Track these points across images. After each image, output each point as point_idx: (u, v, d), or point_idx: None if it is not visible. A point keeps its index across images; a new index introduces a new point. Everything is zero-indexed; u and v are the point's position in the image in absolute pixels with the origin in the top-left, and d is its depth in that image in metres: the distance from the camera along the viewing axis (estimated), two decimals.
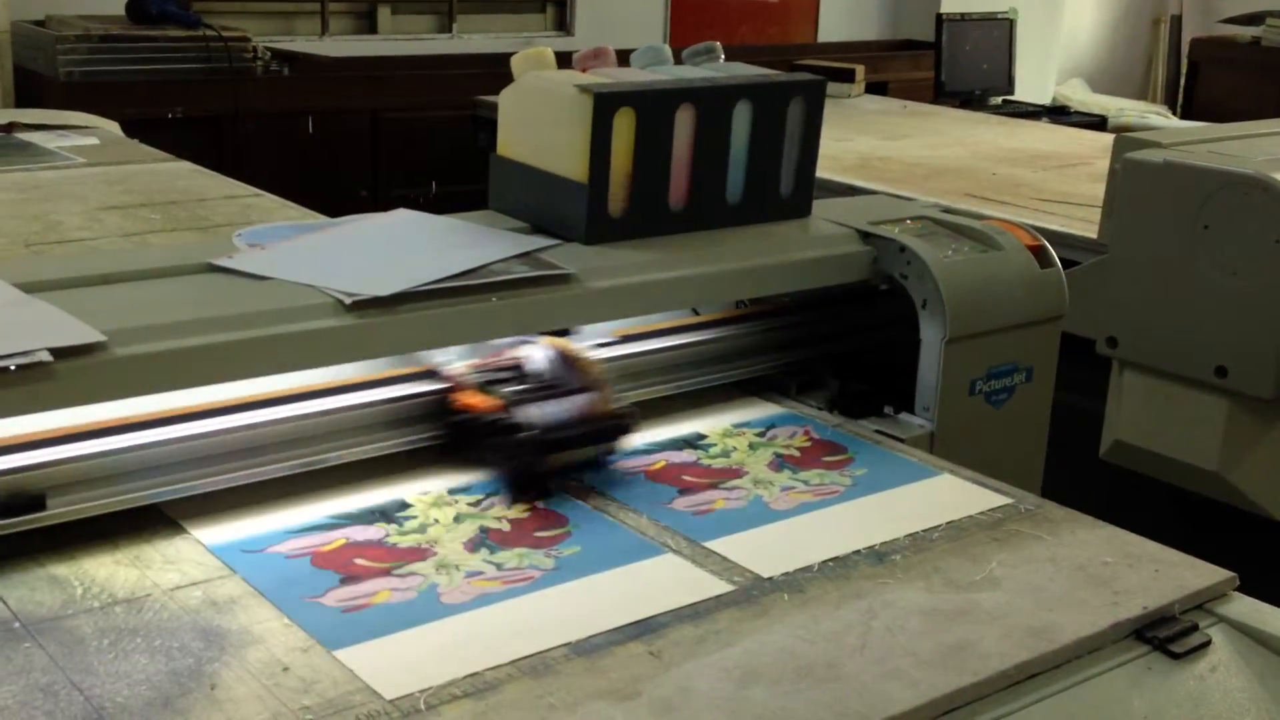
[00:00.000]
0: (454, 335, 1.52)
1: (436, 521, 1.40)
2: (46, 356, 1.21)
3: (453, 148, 4.61)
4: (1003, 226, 1.92)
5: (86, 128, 3.26)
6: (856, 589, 1.28)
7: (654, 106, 1.69)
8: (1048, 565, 1.34)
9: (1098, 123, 5.67)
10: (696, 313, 1.86)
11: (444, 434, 1.53)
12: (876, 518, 1.46)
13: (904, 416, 1.78)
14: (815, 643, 1.18)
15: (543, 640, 1.17)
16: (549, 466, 1.49)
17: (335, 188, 4.42)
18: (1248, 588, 1.33)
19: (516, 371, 1.58)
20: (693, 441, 1.65)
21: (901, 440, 1.71)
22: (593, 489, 1.50)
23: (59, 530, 1.31)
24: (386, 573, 1.29)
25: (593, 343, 1.68)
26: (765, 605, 1.25)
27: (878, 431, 1.72)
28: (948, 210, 1.99)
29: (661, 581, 1.30)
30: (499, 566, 1.31)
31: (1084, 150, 4.10)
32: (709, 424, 1.71)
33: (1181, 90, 7.45)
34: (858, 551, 1.36)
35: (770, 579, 1.30)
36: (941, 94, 5.56)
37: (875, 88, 5.55)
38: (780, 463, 1.60)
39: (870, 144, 4.11)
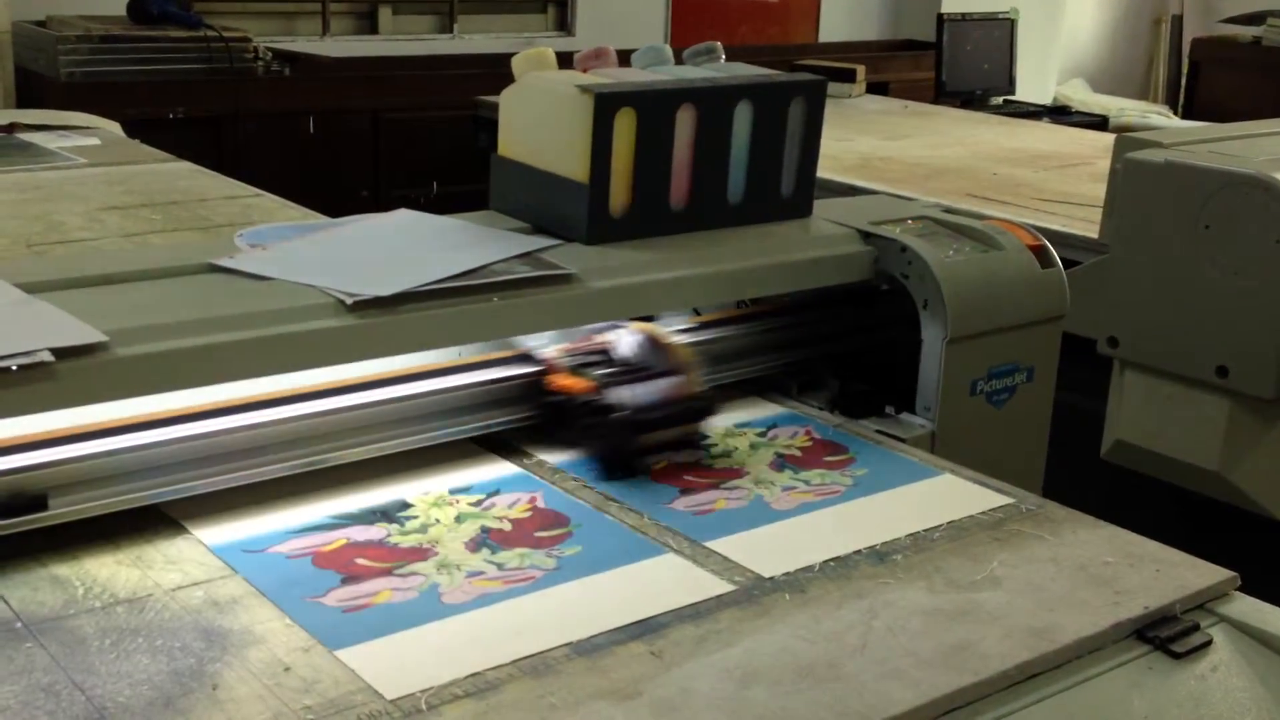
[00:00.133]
0: (455, 335, 1.52)
1: (438, 521, 1.41)
2: (48, 357, 1.21)
3: (454, 148, 4.61)
4: (1004, 226, 1.92)
5: (87, 128, 3.26)
6: (857, 589, 1.28)
7: (655, 107, 1.69)
8: (1049, 565, 1.34)
9: (1099, 123, 5.67)
10: (697, 313, 1.86)
11: (537, 415, 1.60)
12: (877, 518, 1.46)
13: (905, 416, 1.78)
14: (816, 643, 1.18)
15: (544, 640, 1.17)
16: (640, 446, 1.55)
17: (336, 188, 4.42)
18: (1249, 587, 1.33)
19: (606, 355, 1.64)
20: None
21: (903, 440, 1.71)
22: (593, 489, 1.50)
23: (61, 530, 1.31)
24: (388, 573, 1.29)
25: (677, 328, 1.74)
26: (766, 605, 1.25)
27: (879, 431, 1.72)
28: (949, 210, 1.99)
29: (662, 581, 1.30)
30: (500, 566, 1.31)
31: (1085, 150, 4.10)
32: (710, 424, 1.70)
33: (1182, 90, 7.45)
34: (859, 551, 1.36)
35: (771, 579, 1.30)
36: (942, 94, 5.56)
37: (876, 88, 5.55)
38: (781, 463, 1.60)
39: (871, 144, 4.11)
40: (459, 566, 1.31)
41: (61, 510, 1.30)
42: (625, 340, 1.65)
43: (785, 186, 1.85)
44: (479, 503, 1.45)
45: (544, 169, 1.72)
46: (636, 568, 1.33)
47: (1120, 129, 4.69)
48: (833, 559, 1.34)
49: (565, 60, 1.83)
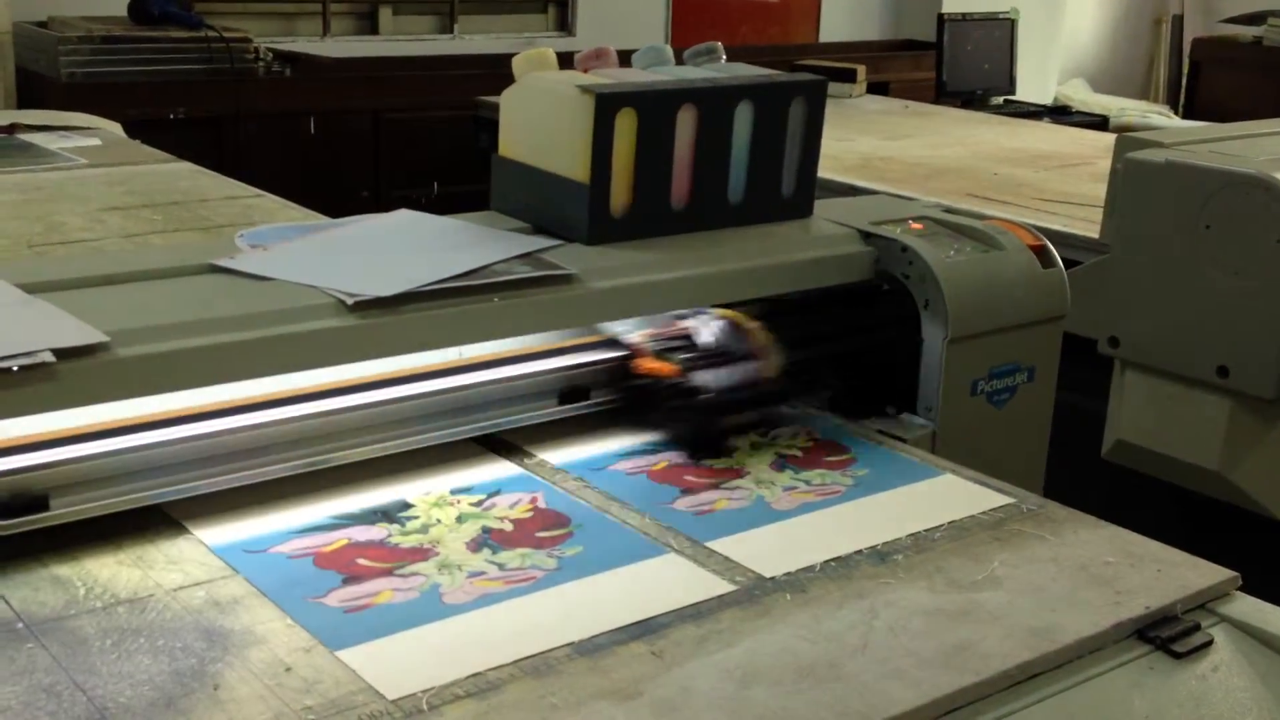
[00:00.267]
0: (456, 336, 1.52)
1: (439, 521, 1.41)
2: (49, 357, 1.21)
3: (454, 148, 4.61)
4: (1004, 226, 1.92)
5: (88, 129, 3.26)
6: (858, 589, 1.28)
7: (655, 107, 1.69)
8: (1050, 565, 1.34)
9: (1099, 123, 5.67)
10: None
11: (623, 398, 1.66)
12: (878, 517, 1.46)
13: (906, 416, 1.78)
14: (817, 643, 1.18)
15: (545, 640, 1.17)
16: (724, 427, 1.61)
17: (337, 188, 4.42)
18: (1250, 587, 1.33)
19: (689, 340, 1.68)
20: None
21: (903, 440, 1.71)
22: (594, 489, 1.50)
23: (62, 531, 1.31)
24: (389, 573, 1.29)
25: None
26: (767, 605, 1.25)
27: (880, 431, 1.72)
28: (949, 210, 1.99)
29: (663, 581, 1.30)
30: (501, 566, 1.31)
31: (1085, 150, 4.10)
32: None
33: (1183, 90, 7.45)
34: (859, 551, 1.36)
35: (772, 579, 1.30)
36: (943, 94, 5.56)
37: (876, 88, 5.55)
38: (782, 463, 1.60)
39: (872, 144, 4.11)
40: (460, 567, 1.31)
41: (63, 511, 1.30)
42: (707, 325, 1.69)
43: (786, 186, 1.85)
44: (480, 503, 1.45)
45: (545, 169, 1.72)
46: (637, 568, 1.33)
47: (1121, 129, 4.69)
48: (834, 559, 1.34)
49: (566, 60, 1.83)
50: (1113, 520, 1.45)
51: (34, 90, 4.18)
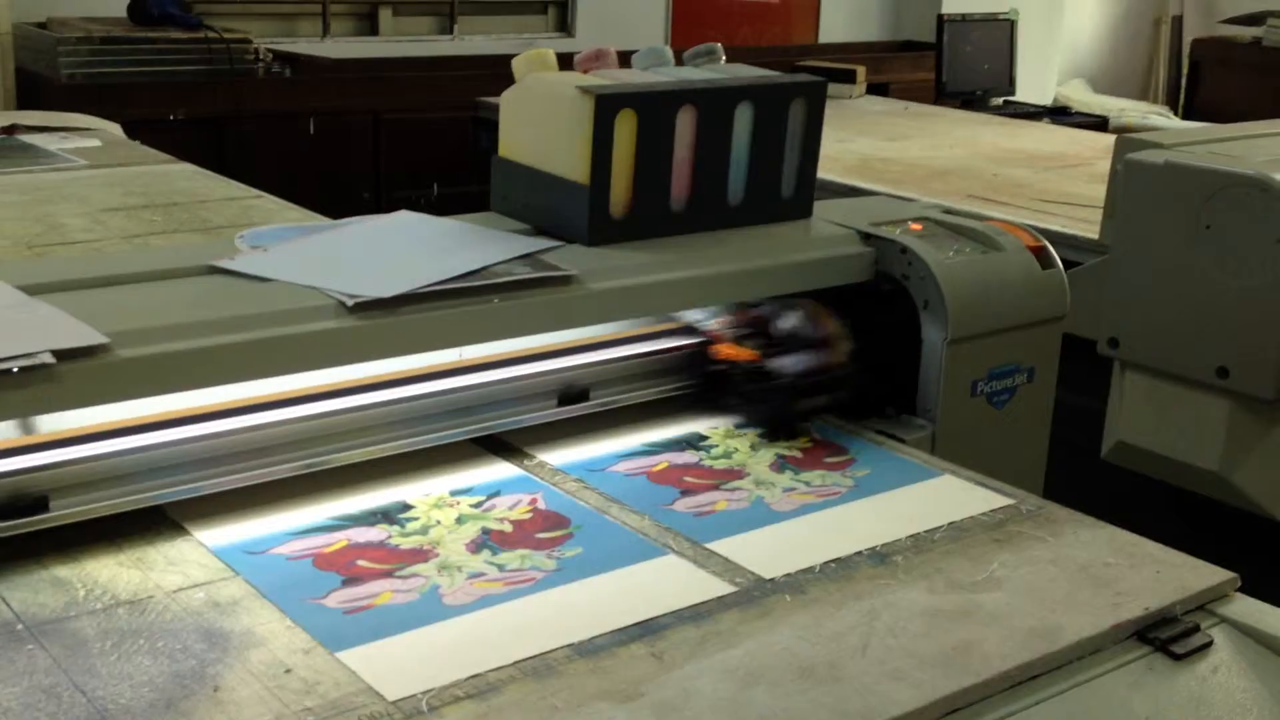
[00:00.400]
0: (456, 337, 1.52)
1: (438, 523, 1.41)
2: (49, 358, 1.21)
3: (454, 149, 4.61)
4: (1004, 227, 1.92)
5: (88, 130, 3.26)
6: (858, 590, 1.28)
7: (655, 108, 1.69)
8: (1049, 566, 1.34)
9: (1099, 123, 5.66)
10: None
11: (701, 382, 1.73)
12: (878, 519, 1.46)
13: (905, 417, 1.78)
14: (817, 644, 1.18)
15: (545, 641, 1.17)
16: (799, 410, 1.67)
17: (337, 189, 4.42)
18: (1249, 588, 1.33)
19: (765, 326, 1.73)
20: (694, 442, 1.65)
21: (903, 441, 1.71)
22: (594, 490, 1.50)
23: (62, 532, 1.31)
24: (389, 574, 1.29)
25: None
26: (767, 606, 1.25)
27: (879, 432, 1.72)
28: (949, 211, 1.99)
29: (663, 583, 1.30)
30: (501, 568, 1.32)
31: (1085, 151, 4.10)
32: (711, 425, 1.71)
33: (1182, 91, 7.45)
34: (859, 552, 1.36)
35: (772, 580, 1.30)
36: (943, 95, 5.56)
37: (876, 89, 5.55)
38: (782, 464, 1.60)
39: (871, 145, 4.11)
40: (460, 568, 1.31)
41: (62, 512, 1.30)
42: (783, 312, 1.74)
43: (785, 187, 1.86)
44: (480, 504, 1.45)
45: (544, 170, 1.72)
46: (637, 569, 1.33)
47: (1120, 130, 4.69)
48: (833, 560, 1.34)
49: (566, 61, 1.83)
50: (1112, 521, 1.45)
51: (34, 91, 4.18)
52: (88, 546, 1.31)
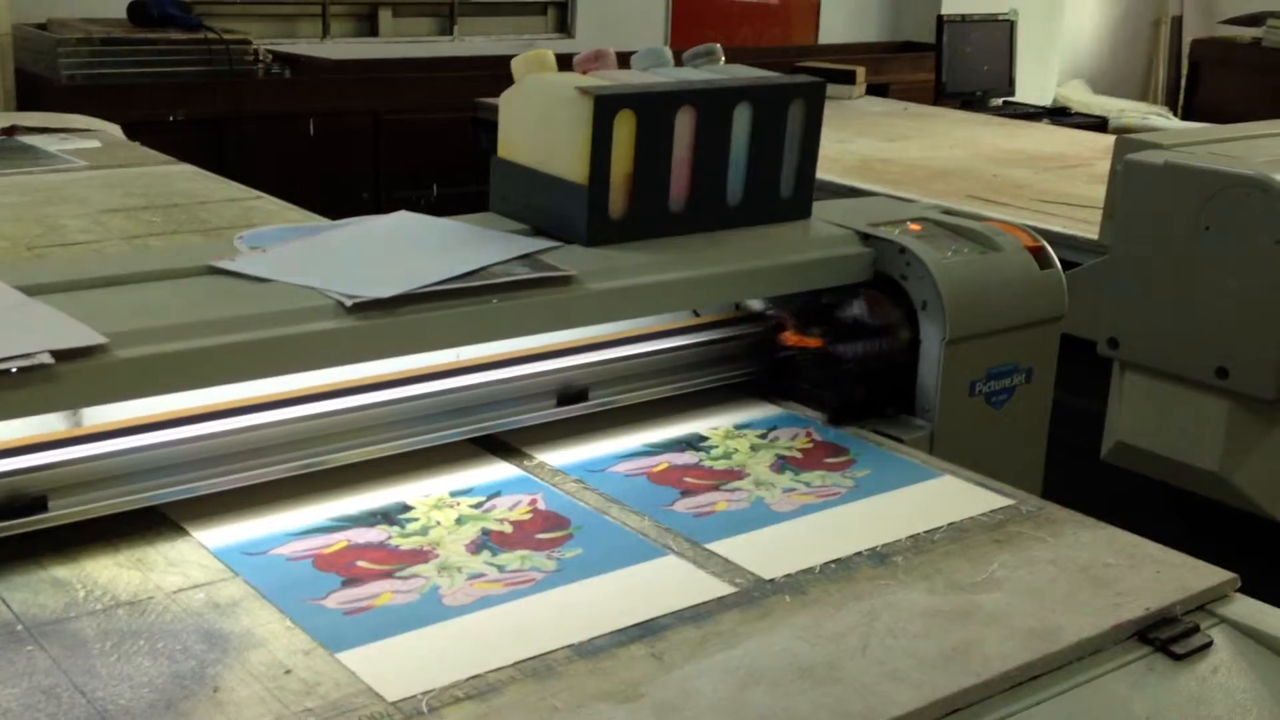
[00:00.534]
0: (454, 337, 1.52)
1: (438, 523, 1.41)
2: (48, 359, 1.21)
3: (454, 150, 4.61)
4: (1002, 228, 1.92)
5: (88, 130, 3.26)
6: (858, 590, 1.28)
7: (654, 108, 1.69)
8: (1049, 567, 1.34)
9: (1098, 124, 5.66)
10: (696, 314, 1.86)
11: (768, 368, 1.81)
12: (878, 519, 1.46)
13: (904, 417, 1.78)
14: (817, 644, 1.18)
15: (545, 642, 1.17)
16: (863, 395, 1.74)
17: (337, 190, 4.42)
18: (1249, 589, 1.33)
19: (831, 313, 1.80)
20: (694, 443, 1.65)
21: (901, 441, 1.71)
22: (594, 490, 1.50)
23: (62, 533, 1.31)
24: (388, 575, 1.29)
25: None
26: (767, 607, 1.25)
27: (877, 432, 1.72)
28: (948, 212, 1.99)
29: (663, 583, 1.30)
30: (501, 568, 1.31)
31: (1085, 151, 4.10)
32: (710, 425, 1.71)
33: (1182, 91, 7.45)
34: (859, 553, 1.36)
35: (772, 581, 1.30)
36: (942, 95, 5.56)
37: (876, 89, 5.55)
38: (782, 464, 1.60)
39: (871, 146, 4.11)
40: (460, 569, 1.31)
41: (61, 512, 1.30)
42: (846, 301, 1.80)
43: (784, 188, 1.86)
44: (480, 505, 1.45)
45: (543, 171, 1.72)
46: (637, 569, 1.33)
47: (1120, 130, 4.69)
48: (833, 561, 1.34)
49: (565, 62, 1.83)
50: (1112, 522, 1.45)
51: (33, 92, 4.18)
52: (88, 547, 1.31)
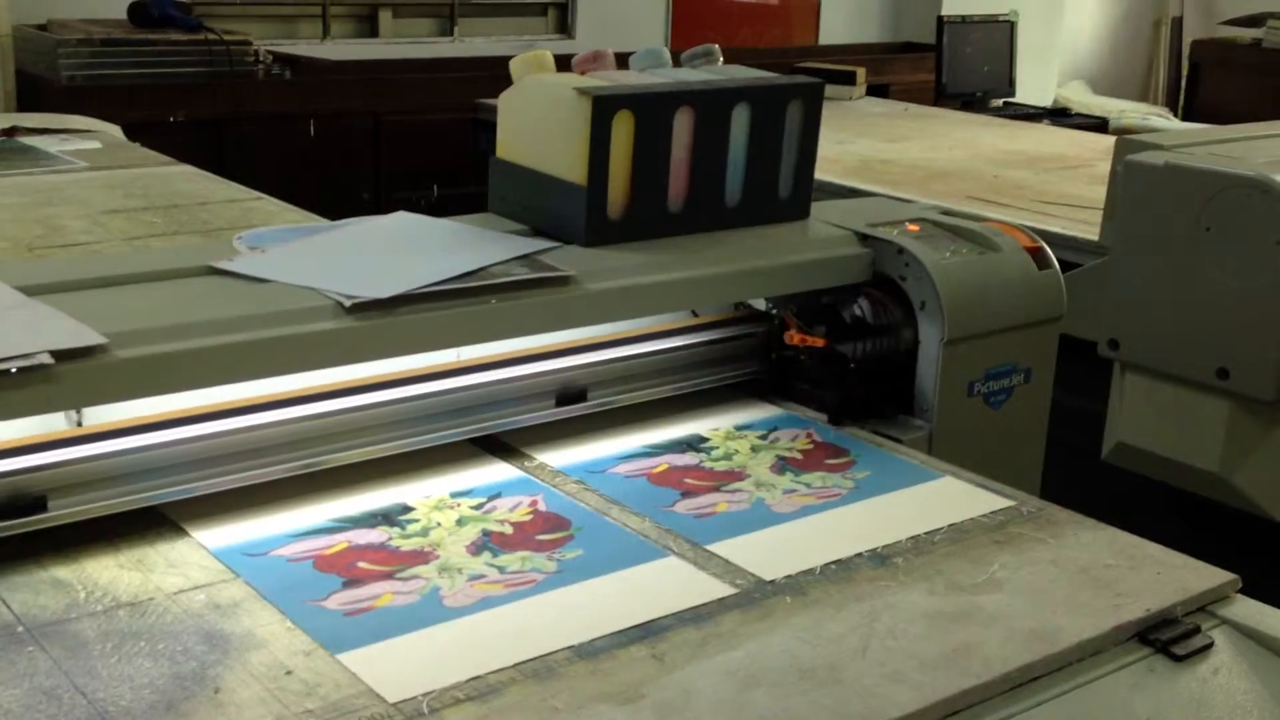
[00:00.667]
0: (453, 337, 1.52)
1: (439, 525, 1.41)
2: (47, 359, 1.21)
3: (454, 151, 4.61)
4: (1001, 228, 1.92)
5: (88, 131, 3.26)
6: (858, 591, 1.28)
7: (653, 109, 1.69)
8: (1050, 568, 1.34)
9: (1099, 125, 5.66)
10: (695, 314, 1.86)
11: (771, 368, 1.81)
12: (878, 520, 1.46)
13: (903, 417, 1.78)
14: (817, 645, 1.18)
15: (545, 643, 1.17)
16: (865, 394, 1.74)
17: (337, 191, 4.42)
18: (1250, 590, 1.33)
19: (834, 313, 1.79)
20: (694, 444, 1.65)
21: (900, 441, 1.71)
22: (595, 491, 1.50)
23: (62, 533, 1.31)
24: (389, 576, 1.29)
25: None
26: (767, 608, 1.25)
27: (875, 432, 1.72)
28: (947, 212, 1.99)
29: (664, 584, 1.30)
30: (501, 570, 1.31)
31: (1085, 152, 4.10)
32: (711, 426, 1.71)
33: (1182, 92, 7.45)
34: (860, 554, 1.36)
35: (772, 582, 1.30)
36: (942, 96, 5.56)
37: (876, 90, 5.55)
38: (782, 465, 1.60)
39: (871, 146, 4.11)
40: (460, 570, 1.31)
41: (61, 512, 1.30)
42: (849, 300, 1.80)
43: (783, 188, 1.86)
44: (480, 506, 1.45)
45: (542, 171, 1.72)
46: (638, 571, 1.33)
47: (1120, 131, 4.69)
48: (834, 562, 1.34)
49: (566, 63, 1.83)
50: (1113, 523, 1.45)
51: (34, 93, 4.18)
52: (88, 548, 1.31)
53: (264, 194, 2.70)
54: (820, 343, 1.75)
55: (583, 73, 1.80)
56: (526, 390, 1.62)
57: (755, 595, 1.27)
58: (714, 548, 1.37)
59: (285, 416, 1.45)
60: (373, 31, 5.41)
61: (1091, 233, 2.84)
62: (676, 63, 1.91)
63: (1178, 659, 1.22)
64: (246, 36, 4.51)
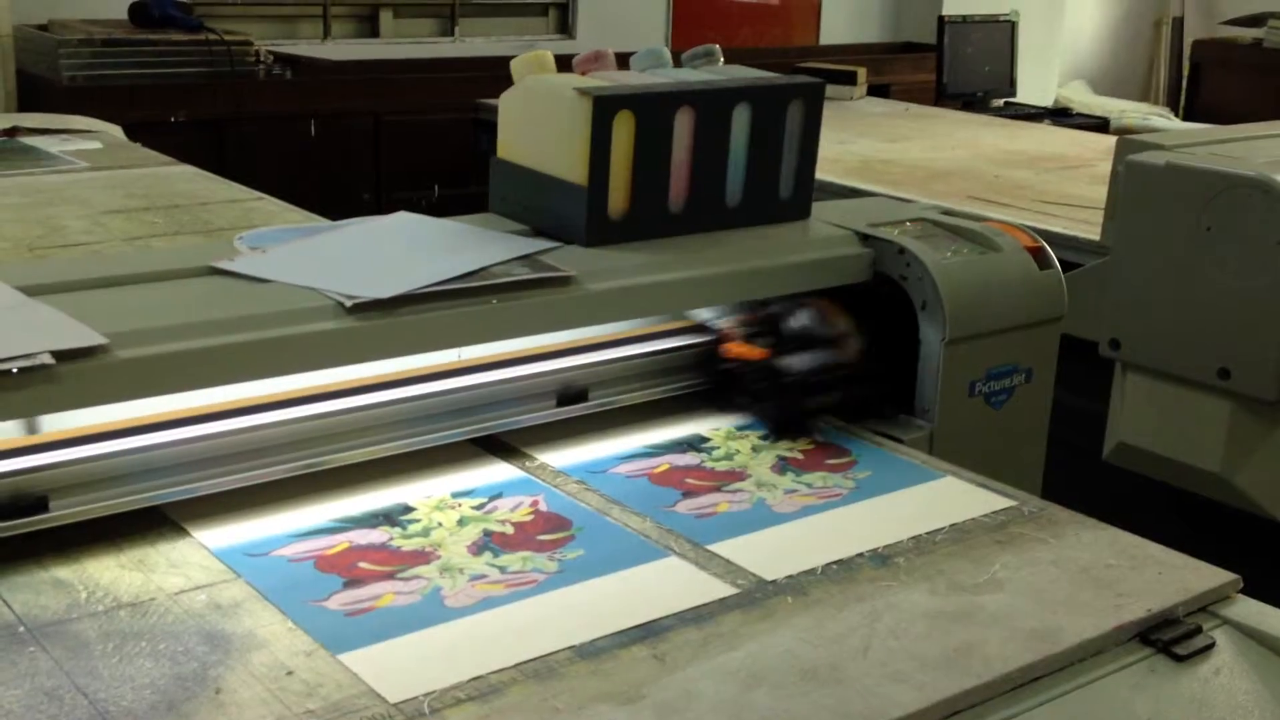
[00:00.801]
0: (454, 338, 1.52)
1: (440, 525, 1.41)
2: (48, 359, 1.21)
3: (455, 151, 4.61)
4: (1002, 228, 1.92)
5: (89, 131, 3.26)
6: (860, 592, 1.28)
7: (653, 109, 1.69)
8: (1051, 568, 1.34)
9: (1100, 125, 5.66)
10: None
11: (712, 380, 1.75)
12: (880, 520, 1.46)
13: (903, 417, 1.78)
14: (819, 645, 1.18)
15: (546, 643, 1.17)
16: (809, 408, 1.68)
17: (338, 191, 4.42)
18: (1251, 590, 1.33)
19: (776, 325, 1.74)
20: (696, 444, 1.65)
21: (901, 441, 1.71)
22: (596, 491, 1.50)
23: (63, 534, 1.31)
24: (390, 576, 1.29)
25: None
26: (769, 608, 1.25)
27: (876, 432, 1.72)
28: (947, 212, 1.99)
29: (665, 584, 1.30)
30: (502, 570, 1.31)
31: (1086, 152, 4.10)
32: (712, 426, 1.71)
33: (1183, 92, 7.45)
34: (861, 554, 1.36)
35: (774, 582, 1.30)
36: (943, 96, 5.56)
37: (877, 90, 5.55)
38: (783, 465, 1.60)
39: (872, 146, 4.11)
40: (461, 570, 1.31)
41: (63, 512, 1.30)
42: (794, 311, 1.75)
43: (783, 189, 1.86)
44: (481, 506, 1.45)
45: (543, 171, 1.72)
46: (639, 571, 1.33)
47: (1121, 131, 4.69)
48: (835, 562, 1.34)
49: (566, 63, 1.83)
50: (1114, 523, 1.45)
51: (35, 93, 4.18)
52: (89, 548, 1.31)
53: (265, 194, 2.70)
54: (760, 354, 1.71)
55: (583, 73, 1.80)
56: (527, 390, 1.62)
57: (756, 595, 1.27)
58: (715, 548, 1.37)
59: (286, 417, 1.45)
60: (373, 32, 5.41)
61: (1092, 233, 2.84)
62: (677, 63, 1.91)
63: (1179, 659, 1.22)
64: (247, 36, 4.51)
